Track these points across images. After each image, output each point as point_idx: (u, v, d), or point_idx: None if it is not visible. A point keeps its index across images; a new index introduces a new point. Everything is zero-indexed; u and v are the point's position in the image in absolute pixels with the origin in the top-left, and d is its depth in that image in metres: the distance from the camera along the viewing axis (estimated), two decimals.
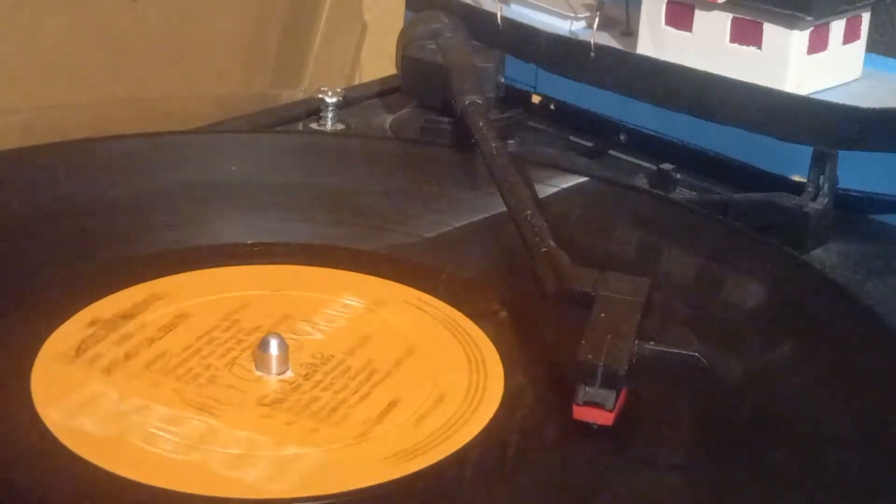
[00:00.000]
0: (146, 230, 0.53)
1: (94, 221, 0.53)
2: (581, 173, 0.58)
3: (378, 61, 0.89)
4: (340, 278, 0.50)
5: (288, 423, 0.41)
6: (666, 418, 0.43)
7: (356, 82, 0.91)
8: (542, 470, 0.40)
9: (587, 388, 0.40)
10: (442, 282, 0.50)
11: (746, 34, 0.59)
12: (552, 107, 0.69)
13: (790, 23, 0.57)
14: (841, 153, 0.56)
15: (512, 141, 0.65)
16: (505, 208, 0.50)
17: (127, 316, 0.47)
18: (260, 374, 0.44)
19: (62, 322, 0.46)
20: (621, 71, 0.63)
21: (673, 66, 0.61)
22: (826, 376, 0.44)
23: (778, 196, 0.56)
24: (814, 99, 0.58)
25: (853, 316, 0.47)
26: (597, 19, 0.65)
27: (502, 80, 0.64)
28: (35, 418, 0.41)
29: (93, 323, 0.46)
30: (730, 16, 0.59)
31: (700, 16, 0.60)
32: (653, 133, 0.63)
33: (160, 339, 0.46)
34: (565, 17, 0.67)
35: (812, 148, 0.56)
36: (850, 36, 0.60)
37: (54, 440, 0.40)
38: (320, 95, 0.66)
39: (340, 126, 0.66)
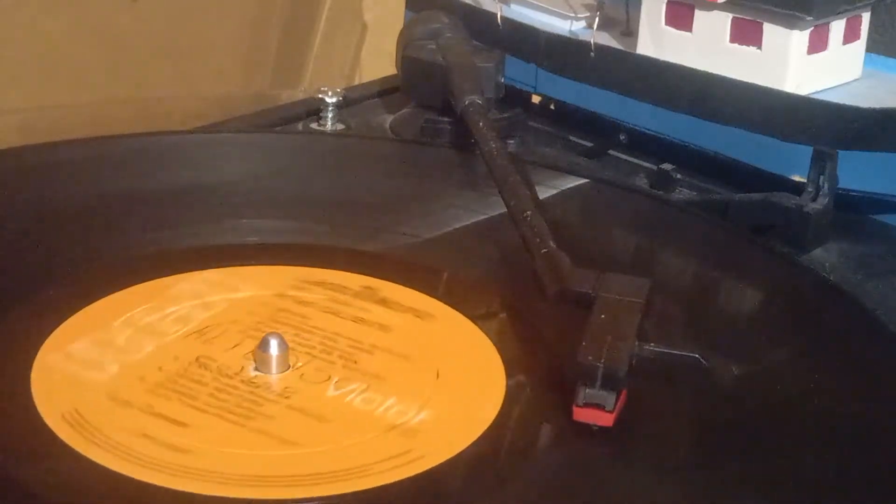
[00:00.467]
0: (146, 230, 0.53)
1: (94, 221, 0.53)
2: (581, 174, 0.58)
3: (378, 61, 0.89)
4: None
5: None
6: (666, 419, 0.43)
7: (356, 82, 0.91)
8: (542, 471, 0.40)
9: (587, 390, 0.40)
10: (442, 282, 0.50)
11: (746, 34, 0.59)
12: (552, 107, 0.69)
13: (790, 23, 0.57)
14: (841, 153, 0.56)
15: (512, 141, 0.65)
16: (505, 208, 0.50)
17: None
18: (257, 374, 0.44)
19: (62, 322, 0.46)
20: (621, 71, 0.63)
21: (673, 66, 0.61)
22: (826, 376, 0.44)
23: (778, 196, 0.56)
24: (814, 99, 0.58)
25: (853, 316, 0.47)
26: (597, 19, 0.65)
27: (502, 80, 0.64)
28: (35, 417, 0.41)
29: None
30: (730, 16, 0.59)
31: (700, 16, 0.60)
32: (653, 133, 0.63)
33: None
34: (565, 17, 0.67)
35: (812, 148, 0.56)
36: (850, 36, 0.60)
37: (55, 439, 0.40)
38: (320, 95, 0.66)
39: (340, 126, 0.66)
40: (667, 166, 0.61)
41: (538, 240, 0.47)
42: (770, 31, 0.58)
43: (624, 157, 0.65)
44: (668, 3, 0.61)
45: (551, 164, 0.60)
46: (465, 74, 0.60)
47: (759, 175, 0.59)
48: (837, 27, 0.59)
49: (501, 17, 0.68)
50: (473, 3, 0.70)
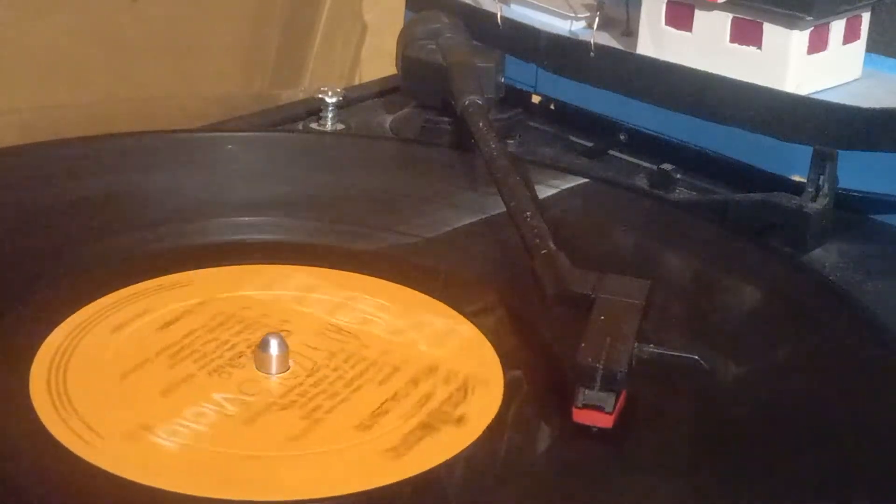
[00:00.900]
0: (146, 229, 0.53)
1: (94, 221, 0.53)
2: (581, 174, 0.58)
3: (378, 61, 0.89)
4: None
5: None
6: (665, 421, 0.43)
7: (356, 82, 0.91)
8: (542, 472, 0.40)
9: (587, 391, 0.40)
10: (442, 282, 0.50)
11: (746, 34, 0.59)
12: (552, 107, 0.69)
13: (790, 23, 0.57)
14: (841, 153, 0.56)
15: (512, 141, 0.65)
16: (505, 208, 0.50)
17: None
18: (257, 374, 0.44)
19: (61, 322, 0.46)
20: (621, 71, 0.63)
21: (673, 66, 0.61)
22: (826, 377, 0.44)
23: (778, 196, 0.56)
24: (814, 99, 0.58)
25: (853, 316, 0.47)
26: (597, 19, 0.65)
27: (502, 80, 0.64)
28: (35, 418, 0.41)
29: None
30: (730, 16, 0.59)
31: (700, 16, 0.60)
32: (653, 133, 0.63)
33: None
34: (565, 17, 0.67)
35: (812, 148, 0.56)
36: (850, 36, 0.60)
37: (53, 440, 0.40)
38: (320, 95, 0.66)
39: (340, 126, 0.66)
40: (667, 166, 0.61)
41: (538, 240, 0.47)
42: (770, 31, 0.58)
43: (624, 157, 0.65)
44: (668, 3, 0.61)
45: (551, 164, 0.60)
46: (465, 74, 0.60)
47: (759, 175, 0.59)
48: (837, 27, 0.59)
49: (501, 17, 0.68)
50: (473, 3, 0.70)
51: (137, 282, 0.49)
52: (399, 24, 0.69)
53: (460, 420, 0.42)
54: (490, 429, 0.42)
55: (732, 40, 0.59)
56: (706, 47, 0.60)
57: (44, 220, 0.52)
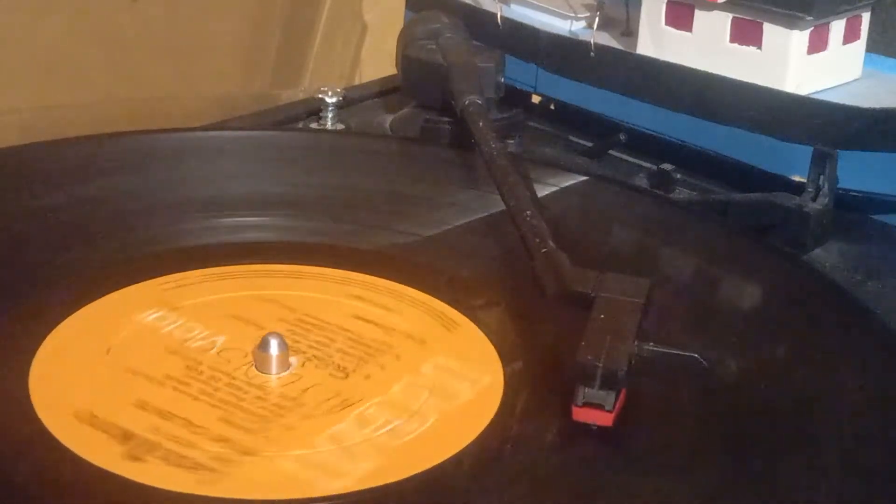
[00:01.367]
0: (145, 229, 0.53)
1: (94, 221, 0.53)
2: (581, 173, 0.58)
3: (378, 61, 0.89)
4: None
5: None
6: (665, 419, 0.43)
7: (356, 82, 0.91)
8: (541, 471, 0.40)
9: (586, 390, 0.40)
10: (441, 281, 0.50)
11: (746, 34, 0.59)
12: (552, 107, 0.69)
13: (790, 23, 0.57)
14: (841, 153, 0.56)
15: (512, 141, 0.65)
16: (505, 208, 0.50)
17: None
18: (260, 374, 0.44)
19: (62, 322, 0.46)
20: (621, 71, 0.63)
21: (673, 66, 0.61)
22: (826, 376, 0.44)
23: (778, 196, 0.56)
24: (814, 99, 0.58)
25: (853, 316, 0.47)
26: (597, 19, 0.65)
27: (502, 80, 0.64)
28: (34, 419, 0.41)
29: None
30: (730, 16, 0.59)
31: (700, 16, 0.60)
32: (653, 133, 0.63)
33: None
34: (565, 17, 0.67)
35: (812, 148, 0.56)
36: (850, 36, 0.60)
37: (53, 441, 0.40)
38: (320, 95, 0.66)
39: (340, 126, 0.66)
40: (667, 166, 0.61)
41: (538, 239, 0.47)
42: (770, 31, 0.58)
43: (624, 157, 0.65)
44: (668, 3, 0.61)
45: (551, 163, 0.60)
46: (465, 74, 0.60)
47: (759, 175, 0.59)
48: (837, 27, 0.59)
49: (501, 17, 0.68)
50: (473, 3, 0.70)
51: (137, 282, 0.49)
52: (399, 24, 0.69)
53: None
54: (489, 427, 0.42)
55: (732, 40, 0.59)
56: (706, 47, 0.60)
57: (44, 220, 0.52)
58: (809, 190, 0.56)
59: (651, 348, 0.42)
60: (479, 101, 0.58)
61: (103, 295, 0.48)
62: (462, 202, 0.56)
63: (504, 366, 0.45)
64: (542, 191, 0.56)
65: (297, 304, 0.48)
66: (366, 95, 0.71)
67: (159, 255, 0.51)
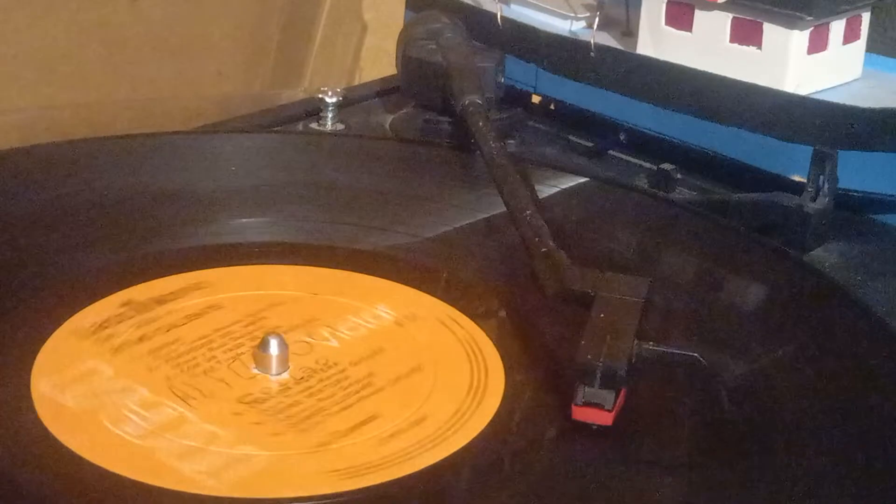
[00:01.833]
0: (145, 230, 0.53)
1: (94, 221, 0.53)
2: (581, 173, 0.58)
3: (378, 61, 0.90)
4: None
5: (257, 423, 0.41)
6: (665, 419, 0.43)
7: (356, 82, 0.91)
8: (541, 470, 0.40)
9: (586, 389, 0.40)
10: (441, 281, 0.50)
11: (746, 34, 0.59)
12: (552, 107, 0.69)
13: (790, 23, 0.57)
14: (841, 153, 0.56)
15: (512, 141, 0.65)
16: (504, 208, 0.50)
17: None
18: (256, 372, 0.44)
19: (62, 322, 0.46)
20: (621, 71, 0.63)
21: (673, 66, 0.61)
22: (826, 376, 0.44)
23: (778, 196, 0.56)
24: (814, 99, 0.58)
25: (853, 316, 0.47)
26: (597, 19, 0.65)
27: (502, 80, 0.64)
28: (34, 419, 0.41)
29: (124, 304, 0.47)
30: (730, 16, 0.59)
31: (700, 16, 0.60)
32: (653, 133, 0.63)
33: (181, 326, 0.46)
34: (565, 17, 0.67)
35: (812, 148, 0.56)
36: (850, 36, 0.60)
37: (54, 441, 0.40)
38: (320, 95, 0.66)
39: (340, 126, 0.66)
40: (667, 166, 0.61)
41: (537, 239, 0.47)
42: (770, 30, 0.58)
43: (624, 157, 0.65)
44: (668, 3, 0.61)
45: (551, 164, 0.60)
46: (465, 74, 0.60)
47: (759, 175, 0.59)
48: (837, 27, 0.59)
49: (501, 17, 0.68)
50: (473, 3, 0.70)
51: (137, 283, 0.49)
52: (399, 24, 0.69)
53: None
54: (490, 426, 0.42)
55: (732, 40, 0.59)
56: (706, 47, 0.60)
57: (44, 221, 0.52)
58: (809, 190, 0.56)
59: (651, 348, 0.41)
60: (479, 101, 0.58)
61: (104, 296, 0.48)
62: (462, 203, 0.56)
63: (503, 364, 0.45)
64: (543, 191, 0.56)
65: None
66: (366, 95, 0.71)
67: (158, 255, 0.51)
